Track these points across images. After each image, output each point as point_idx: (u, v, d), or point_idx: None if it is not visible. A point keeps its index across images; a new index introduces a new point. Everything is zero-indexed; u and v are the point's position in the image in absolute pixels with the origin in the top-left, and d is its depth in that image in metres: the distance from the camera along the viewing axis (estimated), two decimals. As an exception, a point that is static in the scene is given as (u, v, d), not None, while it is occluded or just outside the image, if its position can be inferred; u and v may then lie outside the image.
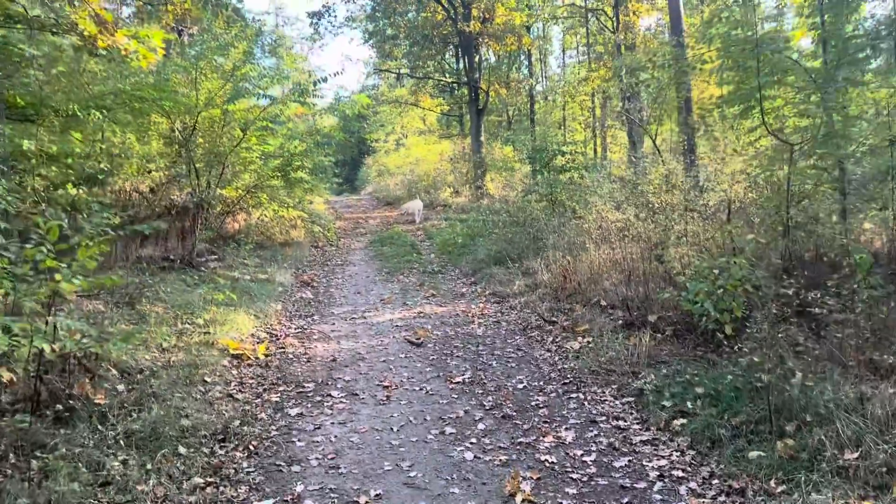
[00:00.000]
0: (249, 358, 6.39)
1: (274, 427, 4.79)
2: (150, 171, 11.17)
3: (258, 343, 6.97)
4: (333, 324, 7.98)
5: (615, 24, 22.32)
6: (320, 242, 15.87)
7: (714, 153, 11.72)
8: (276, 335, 7.40)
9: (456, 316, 8.19)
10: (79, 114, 7.97)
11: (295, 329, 7.75)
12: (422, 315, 8.29)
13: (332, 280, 11.25)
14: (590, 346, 6.23)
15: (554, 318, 7.36)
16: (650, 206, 8.30)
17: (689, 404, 4.65)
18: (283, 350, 6.78)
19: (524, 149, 16.79)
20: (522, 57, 36.12)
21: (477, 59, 27.66)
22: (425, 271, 11.70)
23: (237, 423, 4.73)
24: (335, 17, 28.10)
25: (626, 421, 4.69)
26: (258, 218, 14.72)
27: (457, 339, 7.03)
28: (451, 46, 31.73)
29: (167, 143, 13.94)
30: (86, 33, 6.45)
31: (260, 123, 13.59)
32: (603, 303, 7.36)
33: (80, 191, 7.68)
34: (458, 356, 6.39)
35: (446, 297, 9.49)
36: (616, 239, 8.89)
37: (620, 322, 6.75)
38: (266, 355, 6.55)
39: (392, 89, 38.35)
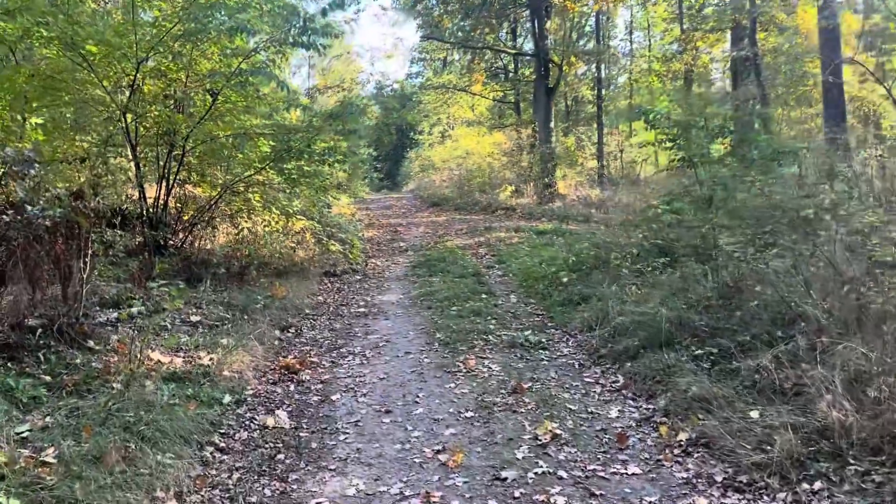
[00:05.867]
0: None
1: None
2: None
3: None
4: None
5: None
6: (339, 267, 10.70)
7: None
8: None
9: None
10: None
11: None
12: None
13: (341, 362, 5.98)
14: None
15: None
16: None
17: None
18: None
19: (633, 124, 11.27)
20: (583, 40, 30.40)
21: (548, 25, 22.08)
22: (514, 342, 6.31)
23: None
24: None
25: None
26: (238, 234, 9.61)
27: None
28: (511, 18, 26.26)
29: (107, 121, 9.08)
30: None
31: (237, 79, 8.45)
32: None
33: None
34: None
35: (586, 441, 4.11)
36: None
37: None
38: None
39: (438, 75, 33.33)
